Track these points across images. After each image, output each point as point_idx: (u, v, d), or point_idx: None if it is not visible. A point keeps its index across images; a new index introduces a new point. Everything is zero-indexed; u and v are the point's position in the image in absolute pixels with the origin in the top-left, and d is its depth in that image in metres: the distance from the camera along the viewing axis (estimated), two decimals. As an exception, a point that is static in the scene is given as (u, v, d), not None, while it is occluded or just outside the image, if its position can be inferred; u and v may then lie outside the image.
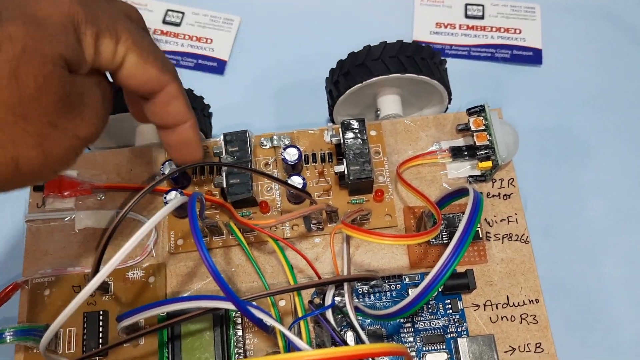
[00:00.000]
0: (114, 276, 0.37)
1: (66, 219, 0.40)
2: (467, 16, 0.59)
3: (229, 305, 0.28)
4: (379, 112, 0.46)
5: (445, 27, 0.59)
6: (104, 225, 0.40)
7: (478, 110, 0.39)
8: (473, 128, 0.38)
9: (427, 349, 0.36)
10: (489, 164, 0.37)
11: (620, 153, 0.55)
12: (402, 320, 0.36)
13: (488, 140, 0.38)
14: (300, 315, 0.33)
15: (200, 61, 0.59)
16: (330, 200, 0.39)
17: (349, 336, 0.35)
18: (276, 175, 0.40)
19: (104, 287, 0.37)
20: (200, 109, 0.45)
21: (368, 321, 0.36)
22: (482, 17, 0.59)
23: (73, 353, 0.36)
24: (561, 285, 0.50)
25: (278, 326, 0.28)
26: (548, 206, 0.53)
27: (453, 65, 0.51)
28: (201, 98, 0.46)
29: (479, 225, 0.38)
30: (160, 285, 0.37)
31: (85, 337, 0.36)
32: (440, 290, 0.37)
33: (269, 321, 0.29)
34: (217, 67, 0.59)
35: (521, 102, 0.57)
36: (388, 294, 0.37)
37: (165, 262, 0.38)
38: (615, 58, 0.59)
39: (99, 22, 0.25)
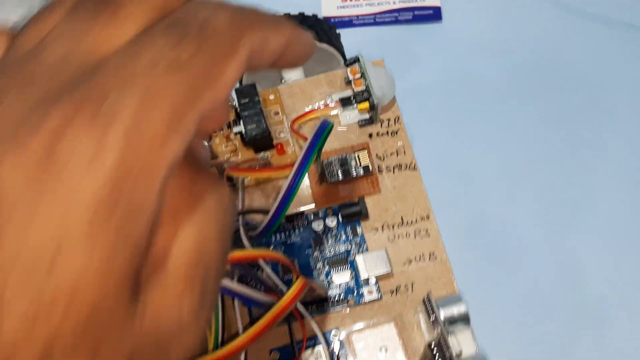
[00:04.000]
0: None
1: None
2: (369, -12, 0.65)
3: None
4: (283, 81, 0.51)
5: (351, 0, 0.65)
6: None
7: (353, 61, 0.44)
8: (351, 77, 0.44)
9: (334, 271, 0.40)
10: (366, 104, 0.43)
11: (523, 95, 0.60)
12: (309, 251, 0.41)
13: (364, 84, 0.43)
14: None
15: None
16: (238, 158, 0.44)
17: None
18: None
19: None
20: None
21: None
22: (383, -13, 0.64)
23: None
24: (479, 225, 0.55)
25: None
26: (462, 149, 0.58)
27: (361, 34, 0.56)
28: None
29: (368, 160, 0.43)
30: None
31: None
32: (340, 220, 0.42)
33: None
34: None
35: (427, 57, 0.62)
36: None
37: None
38: (509, 4, 0.64)
39: None
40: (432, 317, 0.34)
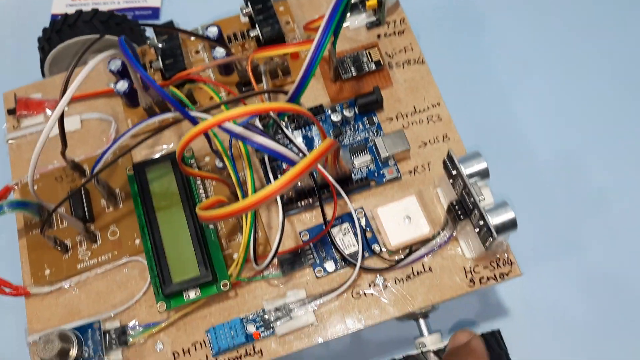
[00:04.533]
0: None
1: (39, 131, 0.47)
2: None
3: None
4: None
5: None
6: (73, 129, 0.47)
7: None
8: (357, -18, 0.46)
9: (354, 157, 0.43)
10: (374, 2, 0.45)
11: (515, 13, 0.63)
12: (330, 141, 0.43)
13: (371, -14, 0.45)
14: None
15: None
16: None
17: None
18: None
19: (80, 169, 0.44)
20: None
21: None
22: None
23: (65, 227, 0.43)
24: (479, 125, 0.58)
25: (203, 116, 0.34)
26: (458, 66, 0.61)
27: None
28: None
29: (379, 55, 0.45)
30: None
31: (72, 209, 0.43)
32: (356, 111, 0.44)
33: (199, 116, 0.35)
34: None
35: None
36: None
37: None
38: None
39: None
40: (454, 173, 0.36)
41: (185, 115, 0.33)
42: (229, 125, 0.33)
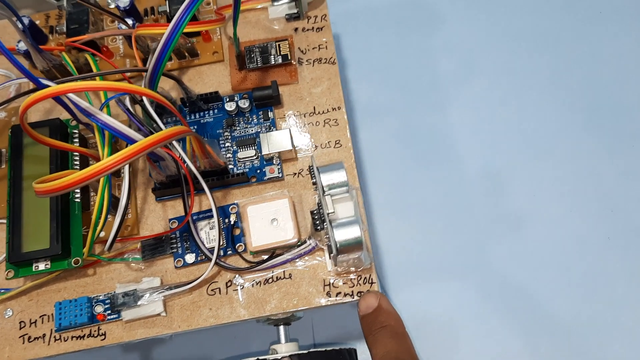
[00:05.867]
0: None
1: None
2: None
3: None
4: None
5: None
6: None
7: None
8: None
9: (240, 150, 0.41)
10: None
11: (468, 18, 0.60)
12: (220, 131, 0.42)
13: (291, -26, 0.44)
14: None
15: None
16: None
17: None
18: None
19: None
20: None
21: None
22: None
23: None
24: (412, 133, 0.56)
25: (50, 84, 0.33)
26: (403, 68, 0.59)
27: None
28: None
29: (288, 50, 0.43)
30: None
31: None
32: (254, 104, 0.42)
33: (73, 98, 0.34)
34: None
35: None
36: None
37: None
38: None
39: None
40: (314, 181, 0.35)
41: (32, 79, 0.32)
42: (74, 97, 0.32)
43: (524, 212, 0.53)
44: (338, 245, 0.32)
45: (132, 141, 0.31)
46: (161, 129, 0.36)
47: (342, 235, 0.33)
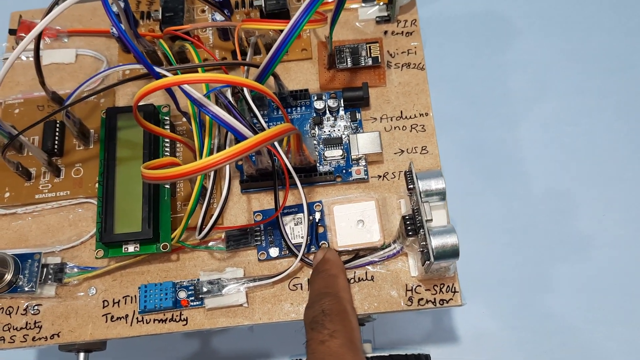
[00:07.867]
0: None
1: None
2: None
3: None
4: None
5: None
6: (67, 61, 0.47)
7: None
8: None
9: (327, 150, 0.42)
10: (386, -2, 0.43)
11: (543, 34, 0.60)
12: (307, 129, 0.43)
13: (386, -21, 0.44)
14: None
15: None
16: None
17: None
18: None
19: (60, 102, 0.44)
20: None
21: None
22: None
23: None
24: (480, 145, 0.56)
25: (166, 73, 0.34)
26: (475, 79, 0.59)
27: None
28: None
29: (378, 52, 0.44)
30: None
31: (43, 140, 0.43)
32: (342, 103, 0.43)
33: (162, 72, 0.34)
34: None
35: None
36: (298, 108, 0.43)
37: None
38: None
39: None
40: (411, 187, 0.35)
41: (149, 69, 0.33)
42: (188, 88, 0.33)
43: (589, 234, 0.53)
44: (435, 253, 0.33)
45: (240, 135, 0.31)
46: (260, 122, 0.37)
47: (439, 242, 0.33)
